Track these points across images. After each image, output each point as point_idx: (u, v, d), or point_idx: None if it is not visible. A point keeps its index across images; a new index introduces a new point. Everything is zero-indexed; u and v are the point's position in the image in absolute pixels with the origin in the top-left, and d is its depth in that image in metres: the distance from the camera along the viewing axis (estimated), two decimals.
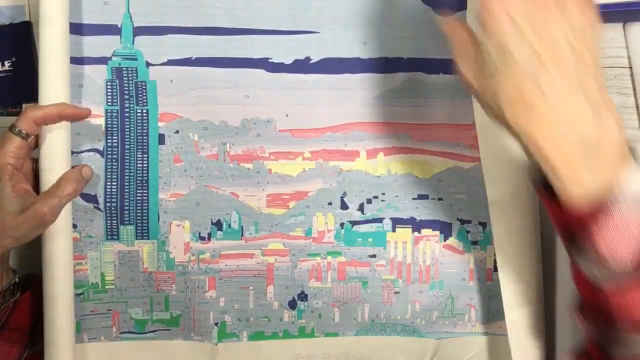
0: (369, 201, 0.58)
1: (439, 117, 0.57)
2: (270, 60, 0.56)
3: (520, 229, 0.54)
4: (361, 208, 0.58)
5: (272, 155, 0.57)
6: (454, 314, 0.59)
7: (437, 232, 0.58)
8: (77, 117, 0.52)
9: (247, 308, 0.58)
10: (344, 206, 0.58)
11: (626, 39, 0.62)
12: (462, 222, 0.58)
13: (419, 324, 0.59)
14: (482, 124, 0.54)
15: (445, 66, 0.56)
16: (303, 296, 0.58)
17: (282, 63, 0.56)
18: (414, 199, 0.58)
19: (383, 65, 0.56)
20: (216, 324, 0.58)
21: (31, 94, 0.60)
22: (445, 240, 0.58)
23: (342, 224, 0.58)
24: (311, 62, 0.56)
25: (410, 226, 0.58)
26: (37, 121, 0.50)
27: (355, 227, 0.58)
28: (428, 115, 0.57)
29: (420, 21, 0.56)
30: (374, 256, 0.58)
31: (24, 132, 0.49)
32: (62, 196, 0.50)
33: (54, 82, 0.51)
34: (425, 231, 0.58)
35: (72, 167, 0.52)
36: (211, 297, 0.58)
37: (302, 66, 0.56)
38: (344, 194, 0.58)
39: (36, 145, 0.51)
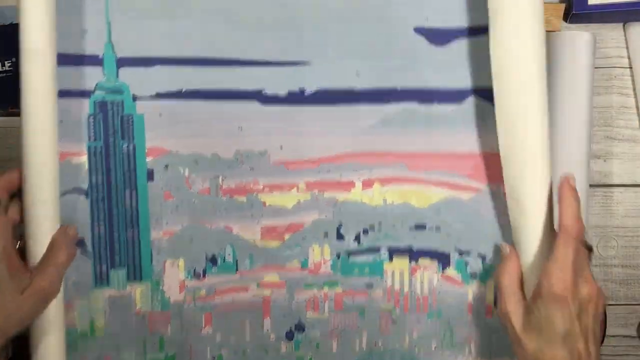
0: (365, 231, 0.57)
1: (434, 147, 0.56)
2: (264, 92, 0.55)
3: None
4: (357, 238, 0.57)
5: (266, 188, 0.56)
6: (453, 344, 0.59)
7: (435, 262, 0.58)
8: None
9: (244, 341, 0.58)
10: (340, 237, 0.57)
11: (626, 39, 0.63)
12: (461, 252, 0.58)
13: (417, 354, 0.59)
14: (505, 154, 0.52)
15: (439, 96, 0.56)
16: (300, 327, 0.58)
17: (275, 95, 0.55)
18: (411, 228, 0.57)
19: (377, 95, 0.56)
20: (213, 358, 0.57)
21: None
22: (443, 271, 0.58)
23: (338, 255, 0.57)
24: (305, 93, 0.55)
25: (407, 255, 0.58)
26: (3, 186, 0.49)
27: (352, 258, 0.58)
28: (423, 145, 0.56)
29: (413, 51, 0.55)
30: (370, 285, 0.58)
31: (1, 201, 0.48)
32: (57, 264, 0.48)
33: (41, 122, 0.49)
34: (423, 261, 0.58)
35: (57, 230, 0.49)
36: (207, 333, 0.57)
37: (296, 97, 0.55)
38: (340, 224, 0.57)
39: (21, 220, 0.49)
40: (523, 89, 0.50)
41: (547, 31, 0.59)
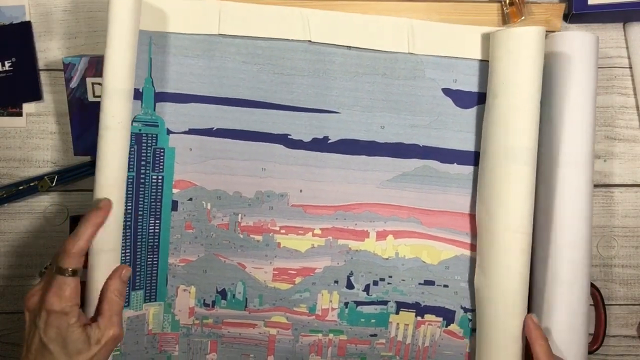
0: (375, 283, 0.58)
1: (449, 205, 0.58)
2: (289, 136, 0.56)
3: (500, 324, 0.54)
4: (367, 289, 0.58)
5: (283, 229, 0.57)
6: None
7: (440, 319, 0.59)
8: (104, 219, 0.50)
9: None
10: (349, 286, 0.58)
11: (626, 39, 0.63)
12: (466, 310, 0.59)
13: None
14: (481, 216, 0.55)
15: (459, 157, 0.57)
16: None
17: (300, 140, 0.56)
18: (420, 284, 0.58)
19: (399, 150, 0.57)
20: None
21: (31, 94, 0.61)
22: (447, 326, 0.59)
23: (346, 303, 0.58)
24: (329, 141, 0.57)
25: (414, 311, 0.59)
26: (83, 253, 0.48)
27: (360, 308, 0.58)
28: (439, 203, 0.58)
29: (439, 112, 0.57)
30: (374, 335, 0.59)
31: (77, 270, 0.48)
32: (118, 312, 0.50)
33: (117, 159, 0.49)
34: (429, 316, 0.59)
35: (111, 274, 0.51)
36: (212, 359, 0.58)
37: (320, 144, 0.57)
38: (351, 273, 0.58)
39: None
40: (511, 165, 0.52)
41: (547, 31, 0.59)
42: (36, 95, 0.61)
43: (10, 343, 0.63)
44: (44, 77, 0.62)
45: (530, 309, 0.56)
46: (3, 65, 0.61)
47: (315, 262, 0.58)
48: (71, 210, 0.63)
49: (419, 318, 0.59)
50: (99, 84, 0.57)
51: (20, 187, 0.61)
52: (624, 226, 0.64)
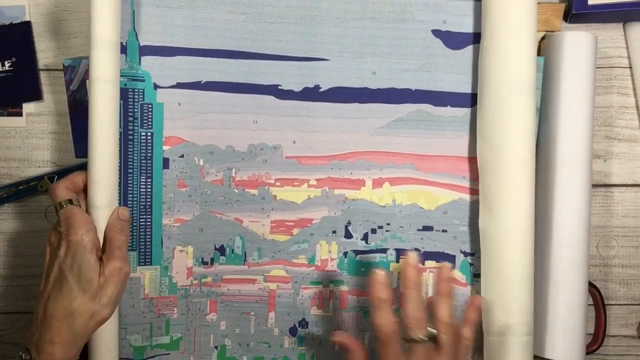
0: (374, 231, 0.58)
1: (445, 149, 0.57)
2: (280, 87, 0.56)
3: (512, 262, 0.54)
4: (365, 237, 0.58)
5: (278, 182, 0.57)
6: None
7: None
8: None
9: (248, 333, 0.58)
10: (348, 235, 0.57)
11: (626, 39, 0.62)
12: (466, 254, 0.58)
13: None
14: (484, 156, 0.55)
15: (452, 99, 0.57)
16: (304, 323, 0.58)
17: (291, 90, 0.56)
18: (418, 230, 0.58)
19: (391, 95, 0.57)
20: (216, 347, 0.57)
21: (31, 94, 0.61)
22: None
23: (345, 253, 0.58)
24: (320, 90, 0.57)
25: None
26: (68, 187, 0.50)
27: (359, 257, 0.58)
28: (434, 147, 0.57)
29: (429, 54, 0.57)
30: None
31: (71, 200, 0.50)
32: (120, 247, 0.50)
33: (109, 112, 0.50)
34: (429, 263, 0.58)
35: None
36: (212, 320, 0.57)
37: (311, 94, 0.56)
38: (349, 222, 0.57)
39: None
40: (513, 98, 0.52)
41: (547, 31, 0.59)
42: (36, 95, 0.62)
43: (11, 343, 0.63)
44: (44, 77, 0.62)
45: None
46: (3, 65, 0.61)
47: (312, 212, 0.57)
48: None
49: (419, 265, 0.58)
50: None
51: (20, 187, 0.61)
52: (623, 226, 0.64)
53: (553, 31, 0.60)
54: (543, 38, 0.60)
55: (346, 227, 0.58)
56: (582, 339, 0.57)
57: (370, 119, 0.57)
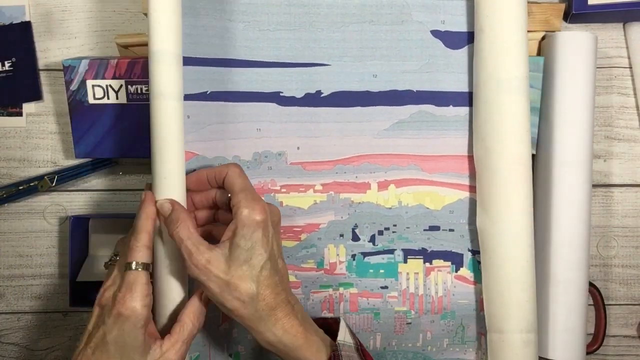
0: (381, 233, 0.58)
1: (448, 149, 0.57)
2: (281, 94, 0.56)
3: (509, 259, 0.54)
4: (372, 239, 0.58)
5: (284, 188, 0.57)
6: (465, 341, 0.58)
7: (449, 263, 0.58)
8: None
9: None
10: (355, 238, 0.57)
11: (626, 39, 0.63)
12: (473, 252, 0.58)
13: (429, 351, 0.58)
14: (479, 155, 0.55)
15: (454, 99, 0.57)
16: None
17: (293, 97, 0.56)
18: (425, 230, 0.58)
19: (393, 97, 0.57)
20: (230, 355, 0.57)
21: (31, 94, 0.61)
22: (456, 271, 0.58)
23: (353, 256, 0.57)
24: (322, 95, 0.56)
25: (421, 257, 0.58)
26: (148, 245, 0.47)
27: (367, 259, 0.58)
28: (438, 147, 0.57)
29: (429, 54, 0.57)
30: (385, 287, 0.58)
31: (147, 265, 0.46)
32: (187, 341, 0.47)
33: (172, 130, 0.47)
34: (437, 262, 0.58)
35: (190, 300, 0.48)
36: (224, 328, 0.57)
37: (313, 99, 0.56)
38: (356, 225, 0.57)
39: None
40: (504, 96, 0.53)
41: (547, 31, 0.59)
42: (36, 95, 0.62)
43: (10, 343, 0.63)
44: (44, 77, 0.62)
45: None
46: (3, 65, 0.61)
47: (319, 217, 0.57)
48: (71, 210, 0.63)
49: (427, 264, 0.58)
50: (99, 86, 0.57)
51: (20, 187, 0.61)
52: (623, 226, 0.64)
53: (553, 31, 0.60)
54: (543, 38, 0.60)
55: (353, 230, 0.57)
56: (582, 339, 0.58)
57: (373, 122, 0.57)
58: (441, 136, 0.57)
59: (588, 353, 0.61)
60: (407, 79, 0.57)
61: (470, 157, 0.57)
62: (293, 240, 0.57)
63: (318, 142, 0.57)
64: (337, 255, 0.57)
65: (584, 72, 0.57)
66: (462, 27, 0.57)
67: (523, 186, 0.53)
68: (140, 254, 0.46)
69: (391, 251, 0.58)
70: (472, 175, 0.57)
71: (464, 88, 0.57)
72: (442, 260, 0.58)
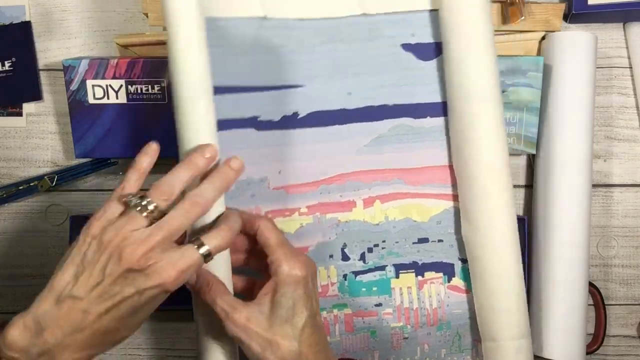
0: (370, 250, 0.57)
1: (430, 160, 0.57)
2: (259, 118, 0.54)
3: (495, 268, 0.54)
4: (362, 257, 0.57)
5: (269, 214, 0.55)
6: (462, 349, 0.58)
7: (440, 274, 0.57)
8: None
9: None
10: (345, 257, 0.57)
11: (626, 39, 0.62)
12: (464, 261, 0.57)
13: None
14: (458, 165, 0.55)
15: (430, 110, 0.56)
16: None
17: (270, 120, 0.54)
18: (414, 243, 0.57)
19: (370, 113, 0.56)
20: None
21: (31, 94, 0.62)
22: (449, 282, 0.57)
23: (344, 276, 0.57)
24: (299, 117, 0.55)
25: (413, 271, 0.57)
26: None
27: (359, 277, 0.57)
28: (419, 159, 0.57)
29: (403, 67, 0.56)
30: (380, 305, 0.57)
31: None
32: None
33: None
34: (429, 274, 0.57)
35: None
36: None
37: (290, 122, 0.55)
38: (344, 245, 0.57)
39: None
40: (474, 106, 0.52)
41: (547, 31, 0.59)
42: (36, 95, 0.62)
43: None
44: (44, 77, 0.62)
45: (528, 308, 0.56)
46: (3, 65, 0.61)
47: (307, 240, 0.56)
48: (71, 210, 0.63)
49: (419, 277, 0.57)
50: (99, 86, 0.57)
51: (20, 187, 0.61)
52: (623, 226, 0.64)
53: (553, 31, 0.60)
54: (543, 38, 0.60)
55: (342, 250, 0.57)
56: (583, 339, 0.58)
57: (353, 139, 0.56)
58: (421, 148, 0.57)
59: (588, 353, 0.61)
60: (382, 94, 0.56)
61: (452, 167, 0.57)
62: None
63: (299, 164, 0.55)
64: (328, 277, 0.57)
65: (584, 72, 0.57)
66: (432, 39, 0.56)
67: (502, 194, 0.53)
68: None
69: (382, 267, 0.57)
70: (455, 184, 0.57)
71: (439, 98, 0.56)
72: (434, 272, 0.57)
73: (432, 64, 0.56)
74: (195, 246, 0.43)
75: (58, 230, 0.63)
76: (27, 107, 0.62)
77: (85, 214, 0.63)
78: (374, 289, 0.57)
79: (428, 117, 0.56)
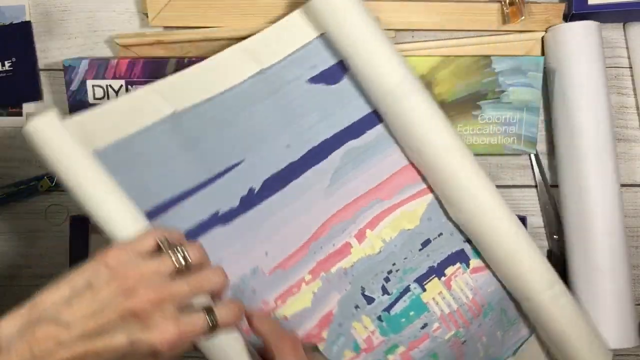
0: (387, 279, 0.56)
1: (391, 167, 0.57)
2: (219, 213, 0.53)
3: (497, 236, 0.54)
4: (385, 291, 0.55)
5: (279, 301, 0.53)
6: (512, 321, 0.58)
7: (458, 264, 0.57)
8: None
9: None
10: (369, 300, 0.55)
11: (626, 39, 0.63)
12: (469, 242, 0.57)
13: (493, 353, 0.58)
14: (415, 160, 0.56)
15: (366, 123, 0.57)
16: None
17: (231, 209, 0.53)
18: (420, 250, 0.57)
19: (316, 155, 0.55)
20: None
21: (31, 94, 0.61)
22: (468, 267, 0.57)
23: (379, 317, 0.55)
24: (256, 192, 0.54)
25: (434, 276, 0.56)
26: None
27: (392, 311, 0.55)
28: (382, 171, 0.57)
29: (320, 99, 0.56)
30: (425, 325, 0.56)
31: None
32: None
33: None
34: (448, 270, 0.57)
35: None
36: None
37: (250, 200, 0.53)
38: (362, 289, 0.55)
39: None
40: (400, 101, 0.53)
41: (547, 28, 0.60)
42: (36, 95, 0.62)
43: None
44: (44, 77, 0.62)
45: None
46: (3, 65, 0.61)
47: (327, 304, 0.54)
48: (71, 210, 0.63)
49: (443, 279, 0.56)
50: (99, 86, 0.57)
51: (20, 187, 0.61)
52: (624, 226, 0.64)
53: None
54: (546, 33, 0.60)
55: (363, 294, 0.55)
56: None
57: (314, 186, 0.55)
58: (378, 160, 0.57)
59: None
60: (316, 132, 0.55)
61: (413, 164, 0.57)
62: (320, 343, 0.54)
63: (280, 236, 0.54)
64: (365, 327, 0.55)
65: (592, 60, 0.58)
66: (333, 60, 0.56)
67: (465, 165, 0.53)
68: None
69: (407, 289, 0.56)
70: (424, 176, 0.57)
71: (368, 109, 0.56)
72: (451, 266, 0.57)
73: (345, 82, 0.56)
74: (205, 313, 0.41)
75: (58, 230, 0.63)
76: (27, 107, 0.62)
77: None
78: (411, 313, 0.56)
79: (367, 131, 0.56)
